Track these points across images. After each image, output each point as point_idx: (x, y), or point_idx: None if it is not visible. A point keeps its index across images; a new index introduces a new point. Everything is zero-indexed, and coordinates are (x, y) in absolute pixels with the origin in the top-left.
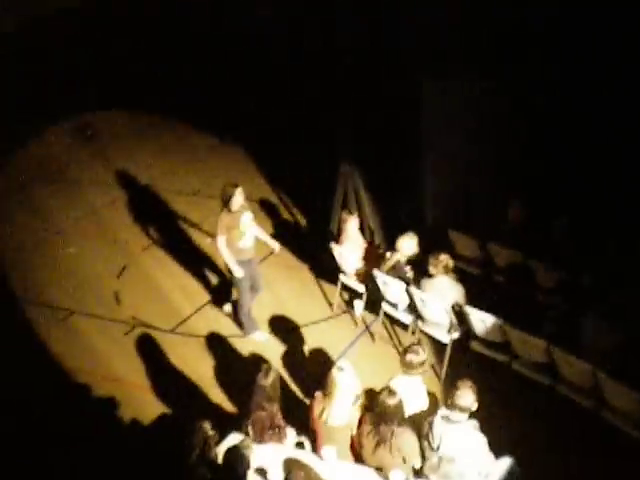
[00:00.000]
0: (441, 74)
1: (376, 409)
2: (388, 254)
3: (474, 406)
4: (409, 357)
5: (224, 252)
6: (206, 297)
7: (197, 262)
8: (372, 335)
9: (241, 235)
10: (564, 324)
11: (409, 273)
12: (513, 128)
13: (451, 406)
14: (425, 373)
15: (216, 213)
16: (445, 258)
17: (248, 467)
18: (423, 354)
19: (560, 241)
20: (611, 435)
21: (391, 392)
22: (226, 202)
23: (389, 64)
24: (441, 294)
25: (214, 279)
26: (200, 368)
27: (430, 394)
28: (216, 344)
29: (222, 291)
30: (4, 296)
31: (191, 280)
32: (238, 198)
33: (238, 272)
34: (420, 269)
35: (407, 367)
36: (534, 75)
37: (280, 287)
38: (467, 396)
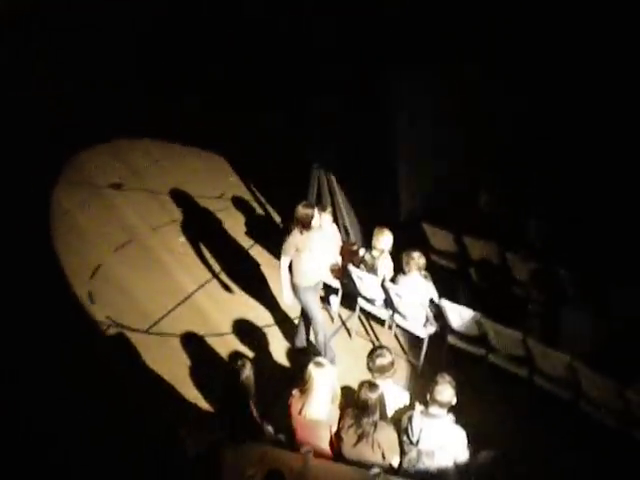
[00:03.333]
0: (413, 60)
1: (357, 403)
2: (362, 250)
3: (453, 400)
4: (379, 361)
5: (284, 275)
6: (180, 297)
7: (171, 262)
8: (349, 331)
9: (311, 257)
10: (544, 317)
11: (386, 268)
12: (489, 114)
13: (430, 401)
14: (395, 373)
15: (186, 210)
16: (417, 256)
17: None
18: (389, 355)
19: (534, 238)
20: (588, 426)
21: (372, 385)
22: (306, 224)
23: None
24: (414, 291)
25: (189, 279)
26: (175, 367)
27: (405, 391)
28: (191, 343)
29: (196, 291)
30: None
31: (165, 280)
32: (317, 218)
33: (288, 298)
34: (395, 265)
35: (379, 372)
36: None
37: (258, 285)
38: (446, 391)
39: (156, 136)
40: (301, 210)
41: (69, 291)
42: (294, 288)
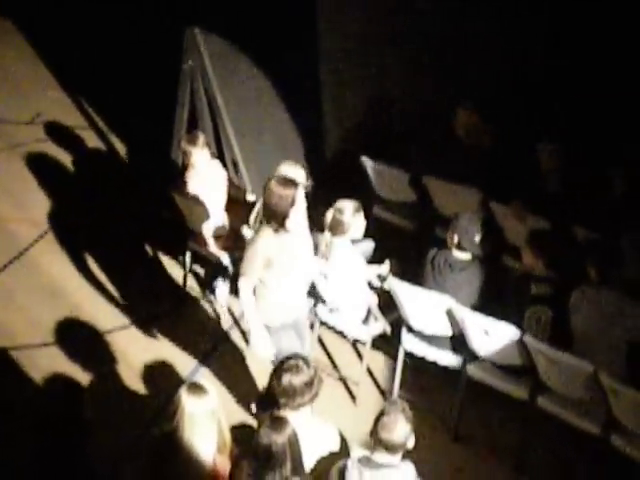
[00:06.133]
0: None
1: (256, 450)
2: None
3: (410, 441)
4: (289, 380)
5: (248, 309)
6: None
7: None
8: (245, 335)
9: (292, 275)
10: (554, 304)
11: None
12: None
13: (374, 442)
14: (316, 398)
15: None
16: (349, 208)
17: None
18: (307, 369)
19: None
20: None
21: (277, 421)
22: (283, 214)
23: None
24: (346, 266)
25: None
26: None
27: (333, 427)
28: None
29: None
30: None
31: None
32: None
33: (266, 346)
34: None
35: (290, 397)
36: None
37: (91, 262)
38: (399, 426)
39: None
40: (271, 187)
41: None
42: None
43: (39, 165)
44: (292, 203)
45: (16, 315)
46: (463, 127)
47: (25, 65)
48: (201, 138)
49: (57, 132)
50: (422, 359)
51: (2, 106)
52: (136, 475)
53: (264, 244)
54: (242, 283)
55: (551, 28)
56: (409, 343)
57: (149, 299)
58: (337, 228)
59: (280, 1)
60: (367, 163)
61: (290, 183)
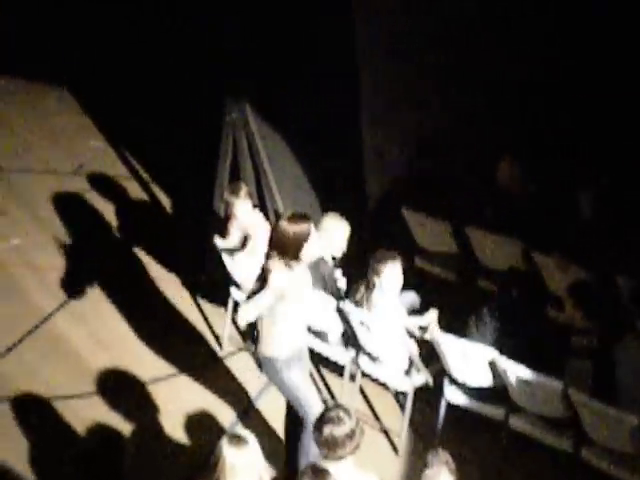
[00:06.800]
0: None
1: None
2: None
3: None
4: (330, 431)
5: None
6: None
7: None
8: None
9: (300, 308)
10: (596, 357)
11: (340, 280)
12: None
13: None
14: (357, 450)
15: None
16: (391, 260)
17: None
18: (349, 420)
19: (589, 223)
20: None
21: (318, 473)
22: (296, 249)
23: None
24: (388, 318)
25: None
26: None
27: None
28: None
29: None
30: None
31: None
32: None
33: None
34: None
35: (331, 448)
36: None
37: (134, 312)
38: (442, 478)
39: None
40: (284, 227)
41: None
42: (265, 365)
43: (82, 216)
44: (307, 237)
45: (59, 364)
46: (505, 178)
47: (68, 115)
48: (243, 189)
49: (100, 183)
50: (465, 410)
51: (45, 157)
52: None
53: (277, 279)
54: (245, 309)
55: None
56: (451, 394)
57: (190, 349)
58: (377, 278)
59: (322, 54)
60: (408, 214)
61: (302, 219)
